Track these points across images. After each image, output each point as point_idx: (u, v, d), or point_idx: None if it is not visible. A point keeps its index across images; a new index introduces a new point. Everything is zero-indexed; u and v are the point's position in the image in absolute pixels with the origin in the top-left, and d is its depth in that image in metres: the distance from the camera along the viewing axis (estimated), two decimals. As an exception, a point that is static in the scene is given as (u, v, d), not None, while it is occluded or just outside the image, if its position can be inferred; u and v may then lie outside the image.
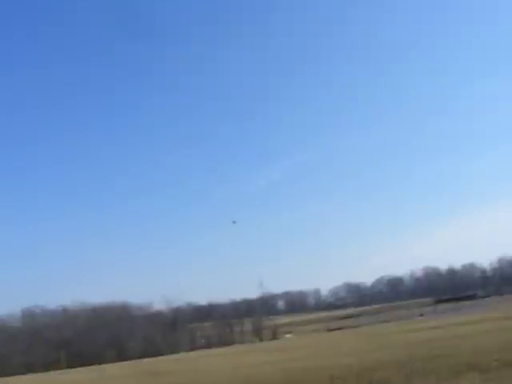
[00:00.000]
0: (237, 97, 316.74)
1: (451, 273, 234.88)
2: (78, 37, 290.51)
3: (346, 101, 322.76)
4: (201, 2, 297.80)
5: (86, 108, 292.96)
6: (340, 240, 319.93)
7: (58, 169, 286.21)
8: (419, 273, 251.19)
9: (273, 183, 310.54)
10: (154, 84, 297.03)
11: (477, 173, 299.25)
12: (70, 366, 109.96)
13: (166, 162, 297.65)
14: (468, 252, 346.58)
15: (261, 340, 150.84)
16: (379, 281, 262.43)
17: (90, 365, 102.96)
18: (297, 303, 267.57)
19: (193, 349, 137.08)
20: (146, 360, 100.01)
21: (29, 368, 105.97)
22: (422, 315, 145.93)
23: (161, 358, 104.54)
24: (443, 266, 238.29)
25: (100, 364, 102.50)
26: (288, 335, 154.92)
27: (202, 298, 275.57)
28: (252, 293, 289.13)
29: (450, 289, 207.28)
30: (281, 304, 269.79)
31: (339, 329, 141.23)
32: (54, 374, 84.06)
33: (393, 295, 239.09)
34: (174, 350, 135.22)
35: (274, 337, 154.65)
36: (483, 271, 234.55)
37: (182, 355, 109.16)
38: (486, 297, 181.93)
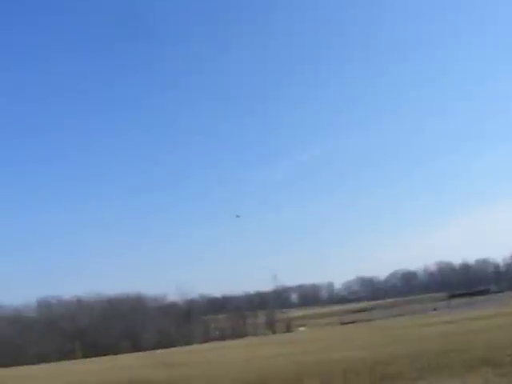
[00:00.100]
0: (237, 96, 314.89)
1: (465, 268, 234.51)
2: (78, 36, 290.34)
3: (345, 101, 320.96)
4: (201, 2, 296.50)
5: (86, 104, 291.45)
6: (352, 235, 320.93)
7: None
8: (433, 267, 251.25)
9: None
10: (155, 83, 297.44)
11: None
12: (85, 356, 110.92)
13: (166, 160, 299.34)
14: (482, 247, 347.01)
15: (274, 333, 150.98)
16: (393, 275, 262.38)
17: (105, 355, 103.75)
18: (310, 296, 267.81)
19: (206, 340, 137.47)
20: (159, 351, 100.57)
21: (44, 358, 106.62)
22: (435, 310, 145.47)
23: (174, 349, 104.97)
24: (457, 260, 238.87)
25: (115, 354, 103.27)
26: (301, 328, 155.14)
27: (216, 291, 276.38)
28: (266, 286, 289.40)
29: (464, 284, 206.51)
30: (294, 297, 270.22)
31: (352, 322, 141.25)
32: (68, 364, 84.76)
33: (406, 289, 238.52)
34: (187, 341, 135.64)
35: (288, 329, 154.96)
36: (496, 266, 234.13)
37: (195, 347, 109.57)
38: (499, 292, 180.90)
